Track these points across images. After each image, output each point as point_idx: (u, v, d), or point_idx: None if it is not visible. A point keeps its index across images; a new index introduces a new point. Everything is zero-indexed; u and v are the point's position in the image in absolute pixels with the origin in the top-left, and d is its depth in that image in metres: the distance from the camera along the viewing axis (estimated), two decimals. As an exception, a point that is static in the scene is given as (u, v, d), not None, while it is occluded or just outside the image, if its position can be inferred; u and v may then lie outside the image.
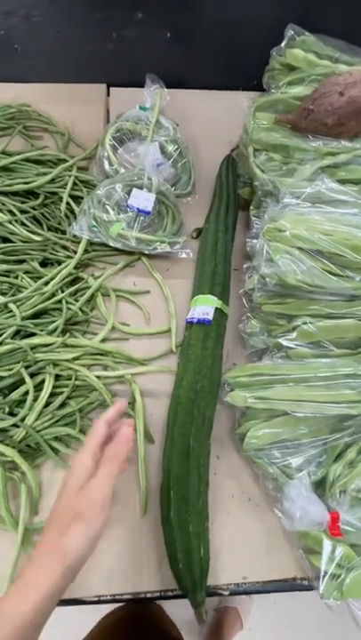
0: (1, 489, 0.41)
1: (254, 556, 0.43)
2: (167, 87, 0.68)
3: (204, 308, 0.52)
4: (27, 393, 0.47)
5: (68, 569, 0.27)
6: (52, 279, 0.55)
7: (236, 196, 0.65)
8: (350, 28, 0.62)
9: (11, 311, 0.52)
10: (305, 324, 0.47)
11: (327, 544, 0.37)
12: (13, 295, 0.54)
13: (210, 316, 0.51)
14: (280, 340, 0.47)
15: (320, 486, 0.42)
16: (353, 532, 0.38)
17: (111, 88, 0.74)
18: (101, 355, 0.51)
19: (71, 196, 0.63)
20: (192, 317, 0.52)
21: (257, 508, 0.45)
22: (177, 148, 0.67)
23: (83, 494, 0.30)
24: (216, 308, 0.52)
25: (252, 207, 0.61)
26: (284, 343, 0.47)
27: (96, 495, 0.30)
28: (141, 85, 0.68)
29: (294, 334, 0.47)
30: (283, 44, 0.63)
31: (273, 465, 0.43)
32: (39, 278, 0.56)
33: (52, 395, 0.48)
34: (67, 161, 0.65)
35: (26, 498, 0.42)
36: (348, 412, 0.41)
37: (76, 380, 0.49)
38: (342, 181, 0.53)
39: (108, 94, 0.74)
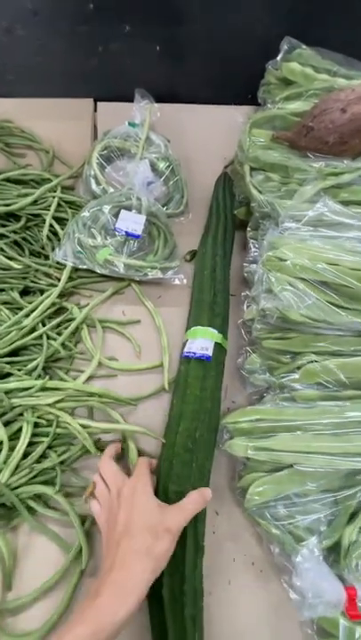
0: (-33, 564, 0.36)
1: (258, 638, 0.37)
2: (157, 102, 0.64)
3: (204, 341, 0.46)
4: (0, 444, 0.42)
5: (154, 574, 0.31)
6: (32, 311, 0.51)
7: (233, 217, 0.61)
8: (348, 41, 0.59)
9: (-15, 348, 0.47)
10: (310, 362, 0.42)
11: (343, 627, 0.32)
12: (-11, 329, 0.49)
13: (209, 352, 0.46)
14: (283, 381, 0.43)
15: (333, 552, 0.37)
16: (373, 610, 0.33)
17: (98, 103, 0.70)
18: (87, 396, 0.46)
19: (55, 218, 0.59)
20: (190, 352, 0.46)
21: (261, 575, 0.40)
22: (169, 166, 0.63)
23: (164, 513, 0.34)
24: (216, 343, 0.47)
25: (249, 228, 0.57)
26: (288, 384, 0.43)
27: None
28: (130, 100, 0.64)
29: (298, 374, 0.43)
30: (278, 58, 0.59)
31: (278, 526, 0.38)
32: (19, 309, 0.52)
33: (30, 444, 0.43)
34: (51, 180, 0.60)
35: (-4, 571, 0.37)
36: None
37: (57, 426, 0.44)
38: (346, 203, 0.49)
39: (96, 109, 0.70)
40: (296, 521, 0.38)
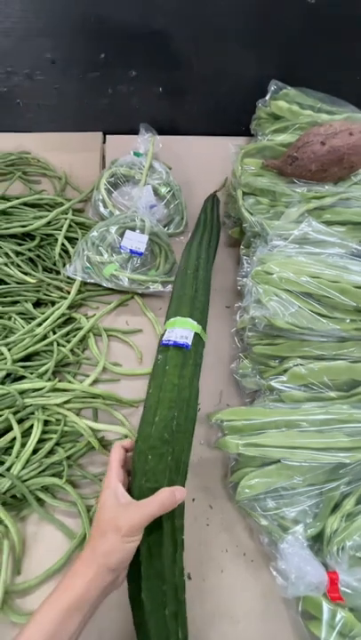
0: (-18, 547, 0.39)
1: (250, 622, 0.39)
2: (160, 134, 0.71)
3: (183, 331, 0.46)
4: (14, 439, 0.46)
5: (102, 574, 0.31)
6: (44, 320, 0.56)
7: (218, 231, 0.67)
8: (331, 81, 0.66)
9: (1, 353, 0.52)
10: (296, 365, 0.46)
11: (326, 609, 0.35)
12: (6, 337, 0.54)
13: (189, 341, 0.45)
14: (272, 383, 0.47)
15: (317, 540, 0.40)
16: (353, 594, 0.35)
17: (107, 136, 0.78)
18: (92, 398, 0.51)
19: (67, 238, 0.65)
20: (168, 340, 0.45)
21: (252, 565, 0.42)
22: (170, 190, 0.70)
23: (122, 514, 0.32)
24: (195, 334, 0.46)
25: (242, 246, 0.62)
26: (276, 385, 0.47)
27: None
28: (135, 133, 0.71)
29: (286, 376, 0.47)
30: (267, 97, 0.67)
31: (267, 517, 0.41)
32: (32, 319, 0.57)
33: (40, 441, 0.47)
34: (63, 204, 0.67)
35: (7, 556, 0.40)
36: (343, 460, 0.40)
37: (64, 425, 0.48)
38: (328, 223, 0.55)
39: (104, 141, 0.78)
40: (283, 512, 0.41)
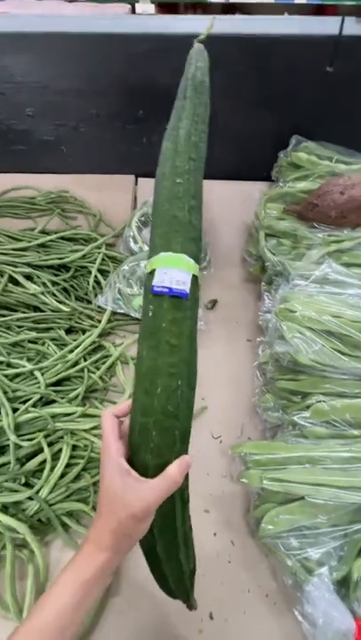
0: (9, 571, 0.40)
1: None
2: (187, 179, 0.78)
3: (179, 273, 0.34)
4: (43, 462, 0.48)
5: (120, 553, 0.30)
6: (76, 347, 0.59)
7: (207, 105, 0.41)
8: (347, 135, 0.72)
9: (35, 377, 0.55)
10: (319, 402, 0.48)
11: (354, 659, 0.34)
12: (39, 361, 0.58)
13: (187, 288, 0.33)
14: (294, 418, 0.48)
15: (343, 585, 0.39)
16: (382, 645, 0.34)
17: (139, 178, 0.85)
18: (118, 424, 0.52)
19: (99, 270, 0.70)
20: (162, 286, 0.33)
21: (275, 608, 0.41)
22: (195, 229, 0.75)
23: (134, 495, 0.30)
24: (193, 276, 0.34)
25: (263, 283, 0.66)
26: (299, 421, 0.48)
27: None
28: (165, 177, 0.78)
29: (308, 412, 0.48)
30: (288, 149, 0.73)
31: (291, 557, 0.40)
32: (64, 345, 0.60)
33: (67, 465, 0.48)
34: (97, 239, 0.73)
35: (32, 582, 0.40)
36: (368, 500, 0.40)
37: (91, 451, 0.49)
38: (347, 265, 0.58)
39: (137, 183, 0.85)
40: (307, 553, 0.41)
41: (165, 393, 0.32)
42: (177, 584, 0.36)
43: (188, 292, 0.34)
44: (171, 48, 0.69)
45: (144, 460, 0.32)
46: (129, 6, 1.09)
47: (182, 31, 0.66)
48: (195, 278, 0.35)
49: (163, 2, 0.78)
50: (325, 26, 0.66)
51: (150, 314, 0.34)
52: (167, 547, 0.34)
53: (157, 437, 0.32)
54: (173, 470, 0.30)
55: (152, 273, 0.34)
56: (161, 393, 0.32)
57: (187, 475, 0.33)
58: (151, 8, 0.65)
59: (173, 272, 0.34)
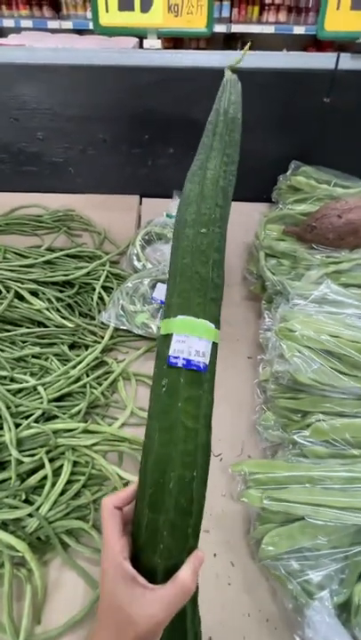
0: (7, 591, 0.40)
1: None
2: (190, 200, 0.80)
3: (199, 342, 0.30)
4: (43, 478, 0.48)
5: None
6: (79, 363, 0.60)
7: (236, 151, 0.39)
8: (344, 159, 0.75)
9: (38, 393, 0.56)
10: (318, 421, 0.48)
11: None
12: (42, 377, 0.59)
13: (206, 359, 0.30)
14: (295, 437, 0.48)
15: (344, 610, 0.39)
16: (384, 673, 0.34)
17: (143, 198, 0.88)
18: (119, 441, 0.53)
19: (103, 287, 0.71)
20: (178, 356, 0.29)
21: (275, 634, 0.41)
22: (197, 248, 0.77)
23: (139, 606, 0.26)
24: (213, 344, 0.31)
25: (263, 301, 0.67)
26: (299, 440, 0.48)
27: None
28: (169, 197, 0.81)
29: (308, 431, 0.48)
30: (288, 173, 0.76)
31: (292, 580, 0.40)
32: (67, 361, 0.61)
33: (68, 482, 0.49)
34: (101, 257, 0.75)
35: (30, 603, 0.40)
36: (368, 522, 0.40)
37: (92, 467, 0.49)
38: (345, 285, 0.60)
39: (141, 203, 0.88)
40: (308, 576, 0.40)
41: (179, 486, 0.28)
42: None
43: (207, 364, 0.30)
44: (173, 78, 0.73)
45: (152, 563, 0.28)
46: (137, 40, 1.15)
47: (183, 64, 0.72)
48: (215, 346, 0.31)
49: (168, 36, 0.83)
50: (323, 61, 0.70)
51: (164, 389, 0.29)
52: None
53: (168, 538, 0.28)
54: (186, 576, 0.26)
55: (167, 337, 0.30)
56: (174, 487, 0.28)
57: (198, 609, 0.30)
58: (158, 43, 0.69)
59: (193, 340, 0.30)
